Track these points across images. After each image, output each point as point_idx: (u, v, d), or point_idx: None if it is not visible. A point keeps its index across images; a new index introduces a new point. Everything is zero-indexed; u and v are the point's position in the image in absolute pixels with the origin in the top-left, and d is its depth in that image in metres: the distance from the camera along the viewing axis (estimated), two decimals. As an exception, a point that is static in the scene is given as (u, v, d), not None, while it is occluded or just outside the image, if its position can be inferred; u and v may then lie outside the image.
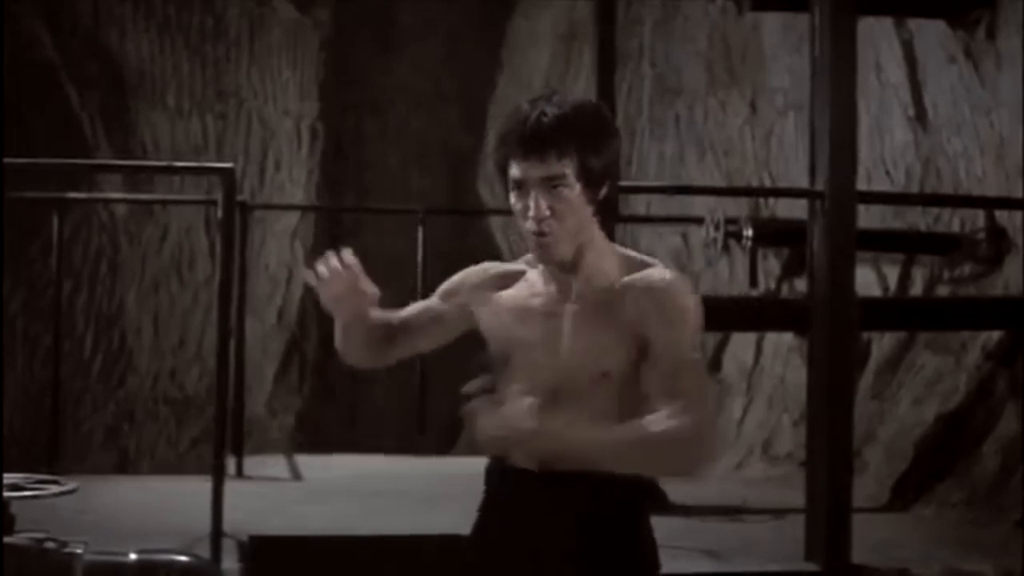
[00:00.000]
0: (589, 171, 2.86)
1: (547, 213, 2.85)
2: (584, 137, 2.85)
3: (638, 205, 10.43)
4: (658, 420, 2.75)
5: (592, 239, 2.92)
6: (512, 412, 2.80)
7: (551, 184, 2.85)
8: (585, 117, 2.88)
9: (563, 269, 2.93)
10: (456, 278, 3.13)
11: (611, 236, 3.05)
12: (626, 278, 2.91)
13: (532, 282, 3.00)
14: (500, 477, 2.98)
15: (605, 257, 2.94)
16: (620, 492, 2.90)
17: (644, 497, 2.95)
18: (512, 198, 2.90)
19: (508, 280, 3.05)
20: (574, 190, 2.85)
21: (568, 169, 2.84)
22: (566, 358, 2.90)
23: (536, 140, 2.84)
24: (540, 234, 2.87)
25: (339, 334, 3.14)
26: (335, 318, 3.10)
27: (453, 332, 3.13)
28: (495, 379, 2.99)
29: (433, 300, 3.16)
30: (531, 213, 2.86)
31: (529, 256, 3.04)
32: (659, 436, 2.74)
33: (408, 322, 3.16)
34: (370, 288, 3.02)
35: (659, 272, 2.91)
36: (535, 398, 2.89)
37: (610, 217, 3.02)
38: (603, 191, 2.90)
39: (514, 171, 2.88)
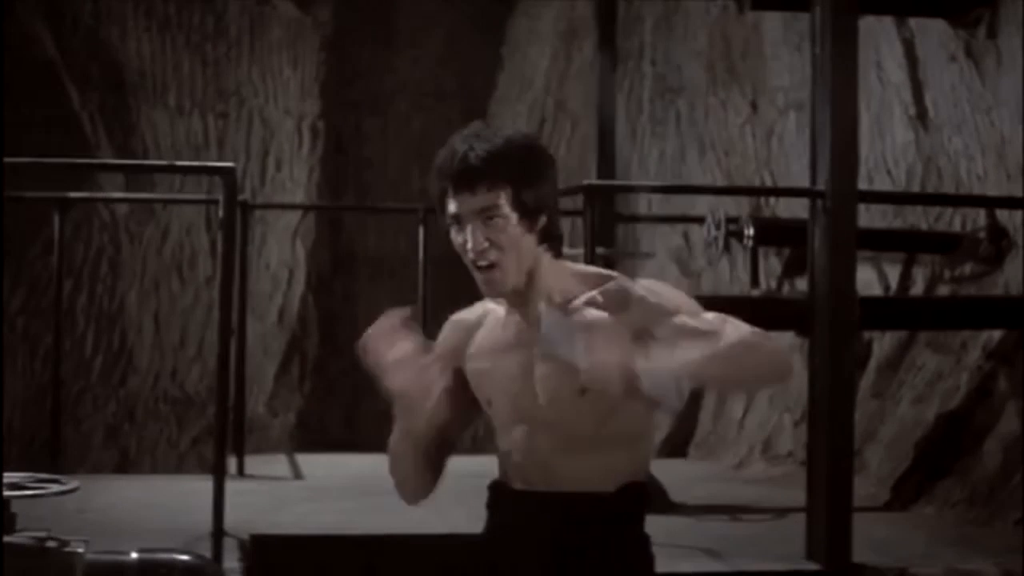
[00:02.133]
0: (522, 202, 2.84)
1: (485, 244, 2.83)
2: (515, 168, 2.83)
3: (639, 204, 10.44)
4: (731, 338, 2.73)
5: (540, 264, 2.89)
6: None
7: (486, 216, 2.83)
8: (515, 148, 2.85)
9: (518, 299, 2.90)
10: (443, 337, 3.03)
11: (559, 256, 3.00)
12: (587, 292, 2.87)
13: (496, 319, 2.98)
14: (501, 501, 2.99)
15: (560, 277, 2.91)
16: (618, 507, 2.89)
17: (642, 510, 2.95)
18: (452, 233, 2.88)
19: (476, 325, 3.01)
20: (510, 220, 2.83)
21: (501, 200, 2.82)
22: (542, 385, 2.87)
23: (466, 174, 2.82)
24: (482, 267, 2.85)
25: (400, 456, 3.03)
26: (402, 419, 2.91)
27: (460, 395, 2.98)
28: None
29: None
30: (469, 246, 2.84)
31: None
32: (737, 340, 2.73)
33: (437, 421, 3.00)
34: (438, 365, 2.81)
35: (623, 281, 2.88)
36: (524, 428, 2.90)
37: (558, 245, 2.98)
38: (542, 221, 2.88)
39: (450, 206, 2.85)
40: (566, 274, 2.93)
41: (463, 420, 3.03)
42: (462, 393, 2.99)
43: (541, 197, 2.87)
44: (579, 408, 2.84)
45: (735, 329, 2.76)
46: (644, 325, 2.76)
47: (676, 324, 2.72)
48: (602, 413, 2.85)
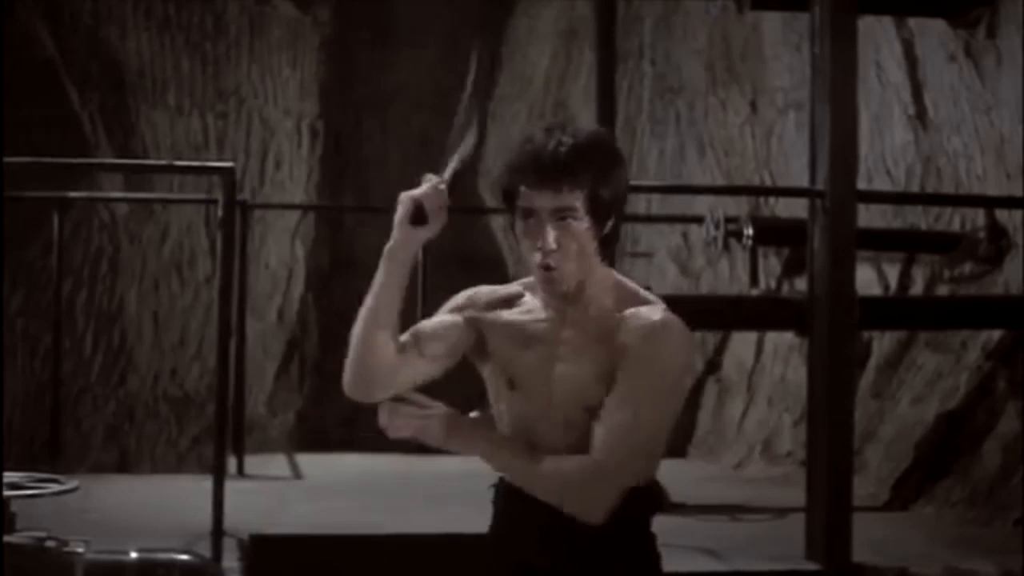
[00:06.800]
0: (599, 204, 2.84)
1: (554, 246, 2.83)
2: (597, 170, 2.84)
3: (639, 204, 10.44)
4: (563, 461, 2.82)
5: (593, 271, 2.90)
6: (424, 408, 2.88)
7: (560, 216, 2.83)
8: (598, 150, 2.86)
9: (563, 299, 2.91)
10: (461, 296, 3.05)
11: (611, 265, 3.02)
12: (620, 312, 2.88)
13: (532, 307, 2.98)
14: (506, 494, 2.98)
15: (604, 290, 2.92)
16: (624, 505, 2.89)
17: (648, 509, 2.95)
18: (520, 227, 2.88)
19: (509, 303, 3.01)
20: (583, 223, 2.84)
21: (579, 202, 2.82)
22: (557, 387, 2.89)
23: (551, 171, 2.81)
24: (546, 267, 2.85)
25: (368, 313, 2.93)
26: (394, 248, 2.98)
27: (460, 347, 3.01)
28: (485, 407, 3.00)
29: (440, 315, 3.04)
30: (539, 245, 2.84)
31: (527, 280, 3.02)
32: (549, 476, 2.82)
33: (419, 332, 3.00)
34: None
35: (654, 311, 2.88)
36: (540, 423, 2.91)
37: (612, 248, 3.00)
38: (609, 224, 2.89)
39: (525, 200, 2.85)
40: (609, 286, 2.93)
41: (446, 354, 3.00)
42: (460, 335, 3.00)
43: (615, 199, 2.88)
44: (583, 419, 2.85)
45: (588, 469, 2.80)
46: (622, 367, 2.82)
47: (616, 400, 2.80)
48: None
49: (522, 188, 2.85)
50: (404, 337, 2.97)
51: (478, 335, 3.01)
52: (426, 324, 3.02)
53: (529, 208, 2.85)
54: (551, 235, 2.83)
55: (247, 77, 10.71)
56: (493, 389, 3.01)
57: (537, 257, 2.86)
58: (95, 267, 9.70)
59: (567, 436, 2.86)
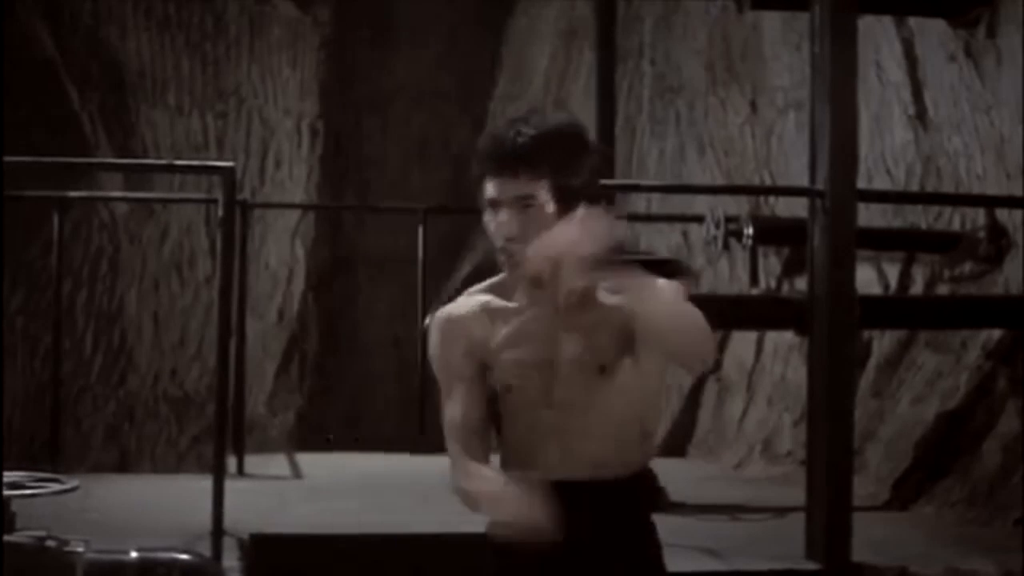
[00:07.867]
0: (562, 191, 2.89)
1: (516, 232, 2.89)
2: (557, 157, 2.89)
3: (638, 203, 10.44)
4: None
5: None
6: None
7: (522, 203, 2.89)
8: (560, 137, 2.92)
9: (539, 285, 2.94)
10: (442, 330, 3.04)
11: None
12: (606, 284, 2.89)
13: (507, 305, 3.02)
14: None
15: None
16: (629, 497, 2.93)
17: (651, 497, 2.98)
18: (486, 216, 2.95)
19: (485, 317, 3.02)
20: (546, 209, 2.89)
21: (540, 190, 2.88)
22: (566, 364, 2.93)
23: (508, 160, 2.89)
24: (508, 253, 2.92)
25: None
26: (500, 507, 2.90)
27: (483, 375, 3.04)
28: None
29: (462, 379, 3.05)
30: (503, 232, 2.92)
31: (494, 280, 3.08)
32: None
33: (484, 417, 3.05)
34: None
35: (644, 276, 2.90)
36: (548, 411, 2.94)
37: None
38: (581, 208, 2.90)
39: (488, 189, 2.92)
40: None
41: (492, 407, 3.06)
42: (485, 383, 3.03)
43: (580, 187, 2.92)
44: (598, 388, 2.91)
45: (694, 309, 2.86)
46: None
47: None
48: (619, 392, 2.91)
49: (486, 178, 2.93)
50: (472, 430, 3.04)
51: (479, 361, 3.03)
52: (470, 411, 3.03)
53: (492, 197, 2.92)
54: (512, 222, 2.89)
55: (247, 77, 10.71)
56: (499, 395, 3.03)
57: (498, 243, 2.93)
58: (95, 267, 9.70)
59: (588, 408, 2.92)
